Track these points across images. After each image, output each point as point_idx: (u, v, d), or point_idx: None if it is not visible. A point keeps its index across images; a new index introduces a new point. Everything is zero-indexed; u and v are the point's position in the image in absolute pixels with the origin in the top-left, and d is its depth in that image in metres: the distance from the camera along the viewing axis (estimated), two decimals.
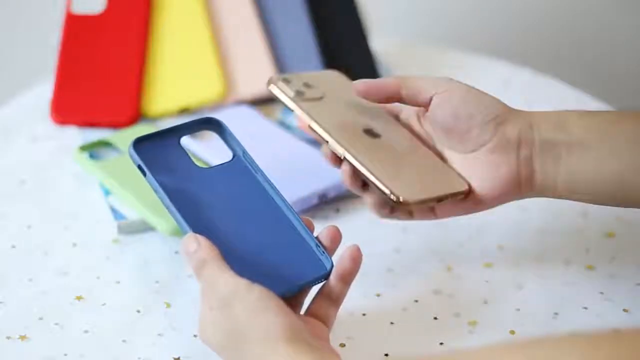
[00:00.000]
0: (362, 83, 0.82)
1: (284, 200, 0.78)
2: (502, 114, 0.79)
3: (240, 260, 0.74)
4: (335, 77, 0.88)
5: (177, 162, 0.78)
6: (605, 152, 0.78)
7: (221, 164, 0.79)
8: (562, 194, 0.80)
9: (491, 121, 0.79)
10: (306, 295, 0.76)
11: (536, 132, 0.79)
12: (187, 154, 0.78)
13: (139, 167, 0.76)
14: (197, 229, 0.74)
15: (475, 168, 0.81)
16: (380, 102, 0.82)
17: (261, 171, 0.79)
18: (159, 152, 0.77)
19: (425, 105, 0.81)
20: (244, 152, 0.79)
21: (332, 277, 0.76)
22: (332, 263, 0.76)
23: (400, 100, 0.82)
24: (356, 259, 0.76)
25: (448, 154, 0.82)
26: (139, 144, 0.77)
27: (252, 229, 0.77)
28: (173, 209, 0.75)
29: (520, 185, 0.80)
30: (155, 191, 0.76)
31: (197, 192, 0.77)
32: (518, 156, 0.79)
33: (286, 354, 0.68)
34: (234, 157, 0.79)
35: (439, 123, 0.81)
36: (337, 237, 0.78)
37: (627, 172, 0.78)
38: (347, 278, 0.76)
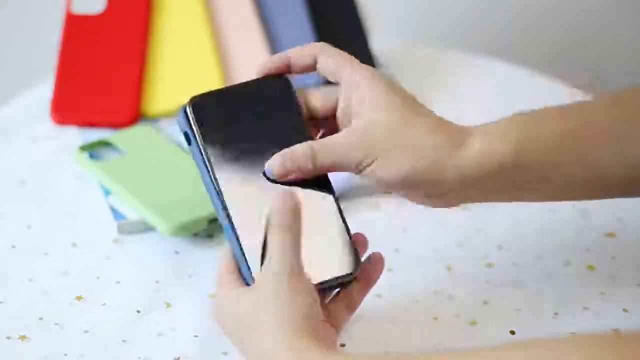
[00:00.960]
0: (279, 167, 0.76)
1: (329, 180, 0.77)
2: (440, 176, 0.75)
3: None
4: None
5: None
6: (546, 169, 0.76)
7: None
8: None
9: (427, 186, 0.76)
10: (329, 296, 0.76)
11: (469, 177, 0.75)
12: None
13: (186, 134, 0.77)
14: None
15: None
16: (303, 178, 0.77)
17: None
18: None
19: (357, 173, 0.77)
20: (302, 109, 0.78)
21: (354, 281, 0.75)
22: (359, 266, 0.75)
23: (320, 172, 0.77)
24: (380, 263, 0.76)
25: None
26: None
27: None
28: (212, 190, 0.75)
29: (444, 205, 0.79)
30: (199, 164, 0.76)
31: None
32: (448, 193, 0.76)
33: (298, 347, 0.68)
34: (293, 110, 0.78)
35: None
36: (365, 243, 0.77)
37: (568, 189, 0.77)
38: (369, 284, 0.76)
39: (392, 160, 0.75)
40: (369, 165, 0.75)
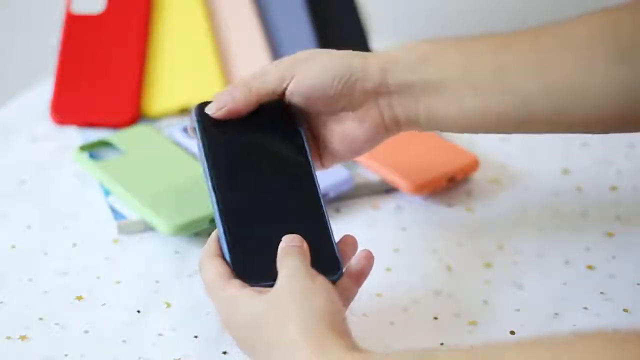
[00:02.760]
0: (218, 110, 0.81)
1: (318, 186, 0.79)
2: (352, 75, 0.80)
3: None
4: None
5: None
6: (462, 90, 0.79)
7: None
8: (429, 129, 0.82)
9: (343, 90, 0.80)
10: None
11: (390, 77, 0.80)
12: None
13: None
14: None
15: (341, 125, 0.82)
16: (240, 116, 0.81)
17: (309, 152, 0.80)
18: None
19: (282, 96, 0.82)
20: (303, 129, 0.81)
21: (345, 276, 0.76)
22: (342, 268, 0.76)
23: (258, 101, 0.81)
24: (370, 259, 0.76)
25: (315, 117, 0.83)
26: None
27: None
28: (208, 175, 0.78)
29: (387, 129, 0.82)
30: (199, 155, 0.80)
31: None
32: (378, 105, 0.81)
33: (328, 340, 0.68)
34: (293, 129, 0.81)
35: (299, 107, 0.82)
36: (354, 244, 0.78)
37: (487, 108, 0.79)
38: (360, 279, 0.76)
39: (308, 73, 0.80)
40: (288, 84, 0.80)
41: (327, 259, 0.76)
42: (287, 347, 0.68)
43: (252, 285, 0.73)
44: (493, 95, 0.79)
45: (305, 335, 0.68)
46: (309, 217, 0.77)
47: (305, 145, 0.81)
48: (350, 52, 0.82)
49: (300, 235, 0.75)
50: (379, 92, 0.81)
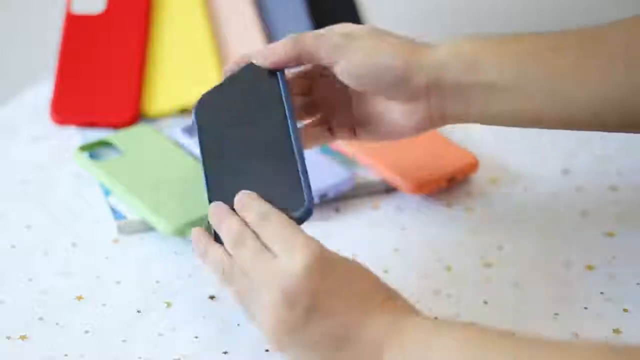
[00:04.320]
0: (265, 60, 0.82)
1: (293, 131, 0.79)
2: (406, 70, 0.80)
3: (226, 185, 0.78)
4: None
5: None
6: (516, 93, 0.79)
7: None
8: (476, 123, 0.82)
9: (396, 82, 0.80)
10: None
11: (443, 77, 0.80)
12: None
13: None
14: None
15: (387, 112, 0.82)
16: (279, 66, 0.82)
17: (286, 98, 0.81)
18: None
19: (329, 67, 0.82)
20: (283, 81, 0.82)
21: None
22: (308, 205, 0.76)
23: (299, 62, 0.82)
24: None
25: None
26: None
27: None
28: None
29: (433, 123, 0.82)
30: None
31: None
32: (429, 102, 0.81)
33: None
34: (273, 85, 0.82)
35: (349, 87, 0.82)
36: None
37: (537, 111, 0.80)
38: None
39: (361, 59, 0.80)
40: (337, 62, 0.80)
41: (293, 195, 0.76)
42: (386, 295, 0.72)
43: None
44: (544, 99, 0.79)
45: (393, 297, 0.73)
46: (280, 157, 0.78)
47: (282, 95, 0.81)
48: (405, 43, 0.81)
49: (267, 174, 0.77)
50: (430, 90, 0.80)
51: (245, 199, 0.76)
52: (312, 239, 0.72)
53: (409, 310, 0.72)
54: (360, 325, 0.70)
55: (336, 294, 0.71)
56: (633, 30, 0.79)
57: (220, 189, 0.79)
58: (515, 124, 0.81)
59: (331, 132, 0.86)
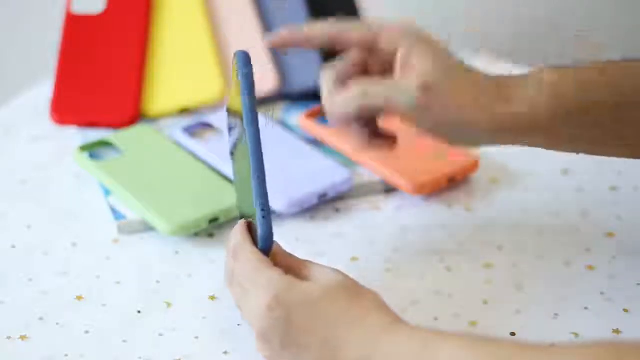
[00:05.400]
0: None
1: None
2: (490, 124, 0.79)
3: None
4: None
5: None
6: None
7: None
8: None
9: (481, 136, 0.80)
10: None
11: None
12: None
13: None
14: None
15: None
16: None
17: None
18: None
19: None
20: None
21: None
22: (266, 234, 0.76)
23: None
24: None
25: None
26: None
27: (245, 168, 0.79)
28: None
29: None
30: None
31: None
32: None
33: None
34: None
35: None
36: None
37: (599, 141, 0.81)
38: None
39: (451, 95, 0.78)
40: (422, 115, 0.78)
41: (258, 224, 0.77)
42: (362, 317, 0.71)
43: None
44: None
45: (379, 308, 0.72)
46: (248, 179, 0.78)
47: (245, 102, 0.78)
48: (488, 90, 0.79)
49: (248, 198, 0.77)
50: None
51: (233, 231, 0.79)
52: (274, 274, 0.73)
53: (390, 321, 0.72)
54: (340, 349, 0.71)
55: (306, 328, 0.72)
56: None
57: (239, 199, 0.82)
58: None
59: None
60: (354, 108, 0.80)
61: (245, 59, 0.78)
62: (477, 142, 0.82)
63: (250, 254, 0.75)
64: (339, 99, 0.80)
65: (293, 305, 0.72)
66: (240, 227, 0.78)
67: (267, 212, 0.75)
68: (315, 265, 0.76)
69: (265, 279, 0.73)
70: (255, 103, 0.77)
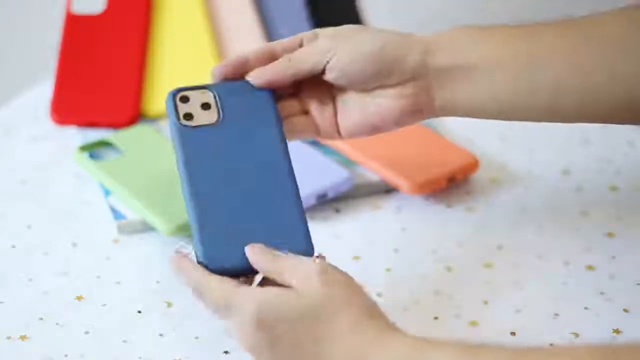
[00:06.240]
0: (258, 79, 0.83)
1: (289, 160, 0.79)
2: (393, 62, 0.80)
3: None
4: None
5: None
6: (496, 73, 0.80)
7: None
8: (463, 115, 0.82)
9: (383, 73, 0.80)
10: None
11: (430, 62, 0.80)
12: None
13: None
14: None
15: (374, 102, 0.82)
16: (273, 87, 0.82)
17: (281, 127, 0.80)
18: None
19: (322, 72, 0.82)
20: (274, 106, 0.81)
21: None
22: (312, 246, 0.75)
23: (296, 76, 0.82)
24: None
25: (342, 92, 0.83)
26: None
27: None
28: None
29: (422, 112, 0.82)
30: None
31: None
32: (415, 87, 0.81)
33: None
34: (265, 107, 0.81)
35: (334, 81, 0.82)
36: None
37: (521, 94, 0.80)
38: None
39: (348, 51, 0.80)
40: (329, 61, 0.80)
41: (293, 234, 0.76)
42: (343, 336, 0.69)
43: (219, 270, 0.74)
44: (526, 78, 0.80)
45: (362, 322, 0.69)
46: (276, 190, 0.77)
47: (277, 123, 0.80)
48: (392, 32, 0.82)
49: (270, 214, 0.76)
50: (417, 74, 0.81)
51: (174, 270, 0.76)
52: (244, 299, 0.72)
53: (377, 331, 0.70)
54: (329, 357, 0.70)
55: (294, 344, 0.71)
56: (629, 19, 0.79)
57: (207, 200, 0.78)
58: (499, 112, 0.81)
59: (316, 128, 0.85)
60: (283, 74, 0.81)
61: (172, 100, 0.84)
62: (384, 81, 0.82)
63: (216, 283, 0.74)
64: (269, 66, 0.82)
65: (276, 323, 0.71)
66: (176, 264, 0.76)
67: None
68: (297, 267, 0.73)
69: (238, 304, 0.72)
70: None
